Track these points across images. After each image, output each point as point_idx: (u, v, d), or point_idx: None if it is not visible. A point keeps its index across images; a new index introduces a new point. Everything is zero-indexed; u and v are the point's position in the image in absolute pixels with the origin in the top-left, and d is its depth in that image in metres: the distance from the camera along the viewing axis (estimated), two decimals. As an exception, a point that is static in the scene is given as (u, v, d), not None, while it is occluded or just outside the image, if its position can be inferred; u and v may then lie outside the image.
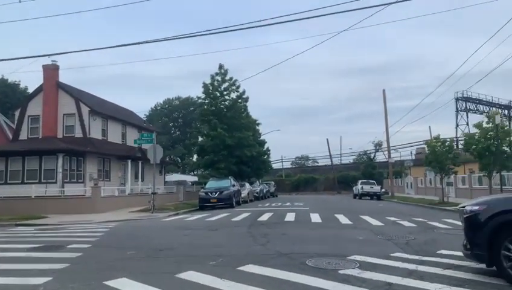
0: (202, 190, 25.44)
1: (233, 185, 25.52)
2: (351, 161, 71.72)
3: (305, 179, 65.09)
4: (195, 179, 50.57)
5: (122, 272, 6.13)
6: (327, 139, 66.18)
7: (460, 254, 7.22)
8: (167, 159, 43.86)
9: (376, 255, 6.99)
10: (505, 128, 16.75)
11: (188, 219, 16.71)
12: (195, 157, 46.35)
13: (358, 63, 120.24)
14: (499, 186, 17.50)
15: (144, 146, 26.18)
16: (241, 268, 6.22)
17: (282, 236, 9.95)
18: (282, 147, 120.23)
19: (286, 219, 14.41)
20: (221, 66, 36.56)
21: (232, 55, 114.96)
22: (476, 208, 5.84)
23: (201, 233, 11.29)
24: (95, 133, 27.32)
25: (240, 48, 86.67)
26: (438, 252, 7.45)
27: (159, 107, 74.56)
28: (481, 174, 22.04)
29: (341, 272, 5.87)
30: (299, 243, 8.86)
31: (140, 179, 30.13)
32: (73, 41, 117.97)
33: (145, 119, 48.14)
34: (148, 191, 24.26)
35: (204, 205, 23.23)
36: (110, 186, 25.60)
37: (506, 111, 51.15)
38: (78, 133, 26.40)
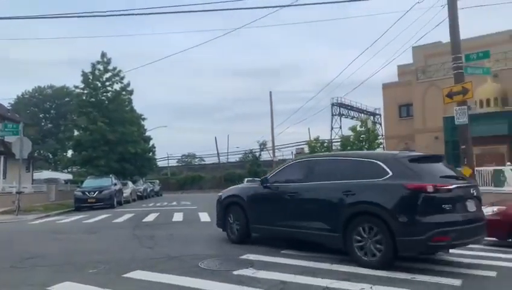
0: (78, 189, 23.36)
1: (115, 184, 23.90)
2: (238, 160, 73.29)
3: (191, 177, 64.39)
4: (70, 177, 46.29)
5: (-24, 289, 5.08)
6: (215, 137, 66.59)
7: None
8: (36, 155, 39.36)
9: (268, 253, 7.02)
10: (375, 132, 18.79)
11: (61, 221, 15.06)
12: (70, 153, 42.43)
13: (247, 63, 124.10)
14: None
15: (8, 139, 23.04)
16: (127, 275, 5.65)
17: (171, 237, 9.47)
18: (169, 144, 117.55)
19: (174, 219, 13.87)
20: (103, 55, 34.14)
21: (117, 45, 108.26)
22: (220, 194, 9.11)
23: (78, 237, 10.18)
24: None
25: (123, 35, 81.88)
26: (324, 247, 7.78)
27: (27, 96, 66.22)
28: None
29: (235, 273, 5.72)
30: (189, 244, 8.51)
31: (2, 176, 26.40)
32: None
33: (9, 108, 42.34)
34: (13, 190, 21.29)
35: (81, 205, 21.34)
36: (-38, 185, 21.84)
37: (372, 117, 57.74)
38: None
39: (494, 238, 8.25)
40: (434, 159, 6.88)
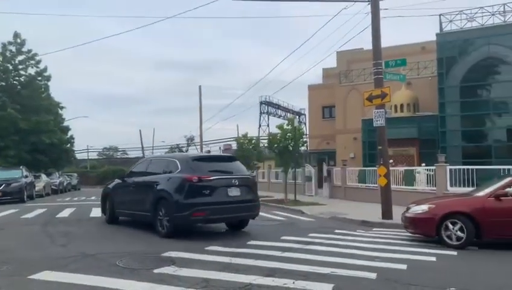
0: (-18, 182, 21.01)
1: (26, 176, 21.91)
2: (163, 154, 71.40)
3: (113, 171, 61.19)
4: (-28, 168, 41.69)
5: None
6: (140, 130, 64.35)
7: (269, 243, 7.75)
8: None
9: (190, 250, 6.84)
10: (300, 130, 19.35)
11: (-42, 217, 13.41)
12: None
13: (175, 57, 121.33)
14: (293, 181, 20.11)
15: None
16: (33, 276, 5.15)
17: (88, 234, 8.88)
18: (90, 136, 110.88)
19: (92, 215, 13.02)
20: (17, 35, 31.22)
21: (37, 28, 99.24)
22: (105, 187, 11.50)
23: (-22, 235, 9.12)
24: None
25: (39, 13, 75.43)
26: (248, 243, 7.82)
27: None
28: (278, 170, 25.12)
29: (156, 271, 5.48)
30: (107, 241, 8.05)
31: None
32: None
33: None
34: None
35: (-16, 199, 19.25)
36: None
37: (298, 117, 59.61)
38: None
39: (421, 235, 8.61)
40: (219, 158, 10.29)
